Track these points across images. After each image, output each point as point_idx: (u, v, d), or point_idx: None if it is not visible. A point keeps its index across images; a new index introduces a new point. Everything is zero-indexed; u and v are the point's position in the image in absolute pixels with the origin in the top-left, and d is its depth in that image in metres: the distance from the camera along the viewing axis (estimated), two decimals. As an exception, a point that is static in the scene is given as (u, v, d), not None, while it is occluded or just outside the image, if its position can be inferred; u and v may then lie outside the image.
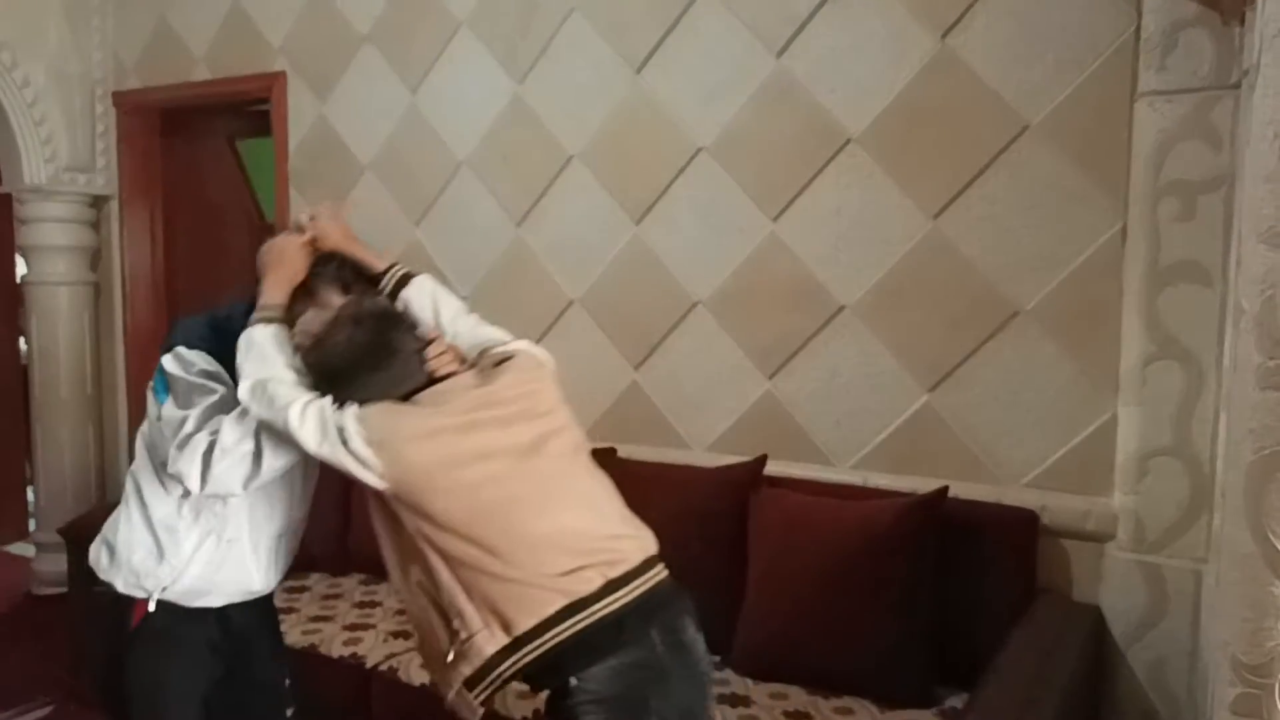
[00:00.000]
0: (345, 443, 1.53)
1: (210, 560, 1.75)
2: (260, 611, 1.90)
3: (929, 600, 2.25)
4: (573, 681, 1.52)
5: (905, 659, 2.24)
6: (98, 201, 4.18)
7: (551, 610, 1.52)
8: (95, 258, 4.22)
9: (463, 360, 1.69)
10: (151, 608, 1.74)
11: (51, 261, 4.06)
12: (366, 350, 1.60)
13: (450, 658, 1.56)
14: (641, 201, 2.98)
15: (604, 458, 2.75)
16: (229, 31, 3.79)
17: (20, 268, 4.51)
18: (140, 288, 4.23)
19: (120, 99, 4.14)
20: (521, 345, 1.73)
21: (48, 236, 4.04)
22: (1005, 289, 2.43)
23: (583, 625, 1.52)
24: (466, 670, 1.55)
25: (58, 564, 3.65)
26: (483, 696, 1.57)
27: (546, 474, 1.61)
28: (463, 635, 1.54)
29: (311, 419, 1.56)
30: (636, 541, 1.63)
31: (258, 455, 1.62)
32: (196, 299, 4.31)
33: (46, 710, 3.11)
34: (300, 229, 1.81)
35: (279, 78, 3.66)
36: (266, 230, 4.10)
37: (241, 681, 1.86)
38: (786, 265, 2.74)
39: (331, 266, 1.76)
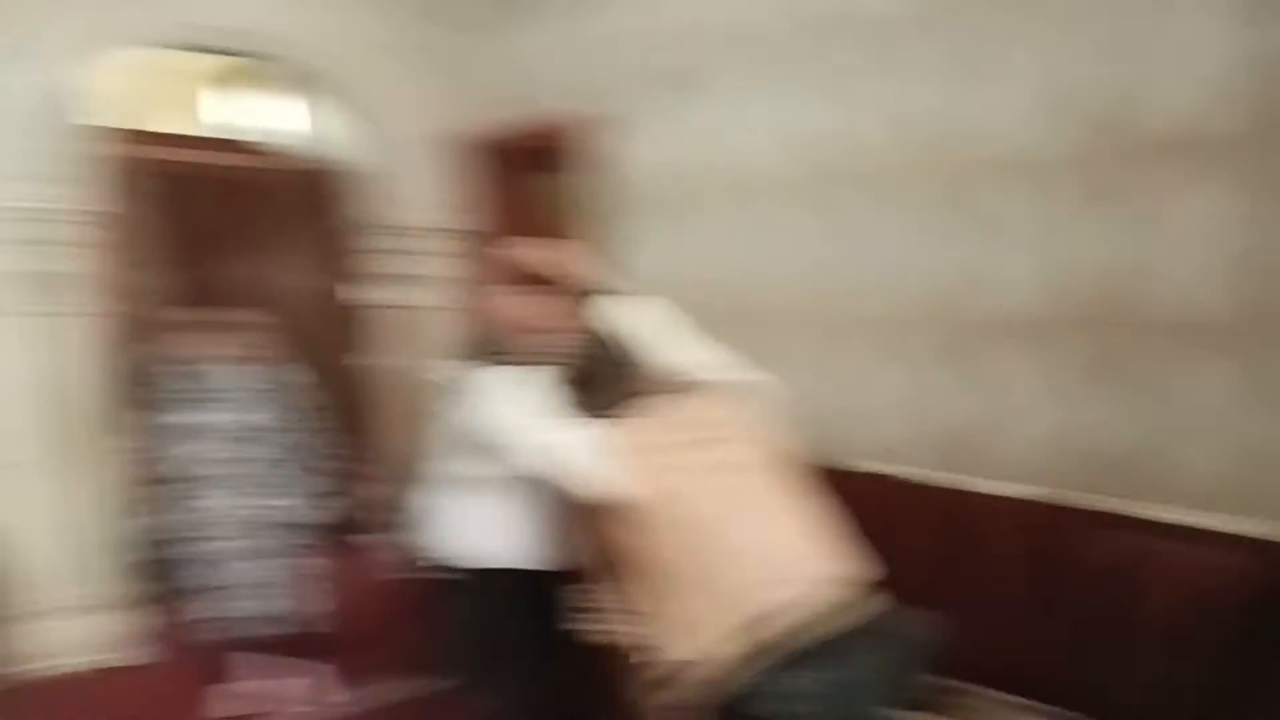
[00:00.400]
0: (591, 457, 1.73)
1: None
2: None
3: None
4: (760, 687, 1.59)
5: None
6: (442, 234, 4.65)
7: (739, 622, 1.61)
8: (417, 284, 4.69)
9: (667, 383, 1.85)
10: None
11: (399, 289, 4.55)
12: (601, 365, 1.84)
13: (645, 657, 1.72)
14: (949, 220, 2.74)
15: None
16: (565, 76, 4.02)
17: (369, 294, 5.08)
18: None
19: (467, 143, 4.58)
20: (741, 371, 1.87)
21: (408, 266, 4.55)
22: None
23: (778, 636, 1.61)
24: (659, 672, 1.69)
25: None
26: (666, 697, 1.70)
27: (747, 496, 1.72)
28: (658, 638, 1.68)
29: (579, 448, 1.75)
30: (831, 563, 1.71)
31: None
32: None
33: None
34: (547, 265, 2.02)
35: (604, 117, 3.83)
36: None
37: None
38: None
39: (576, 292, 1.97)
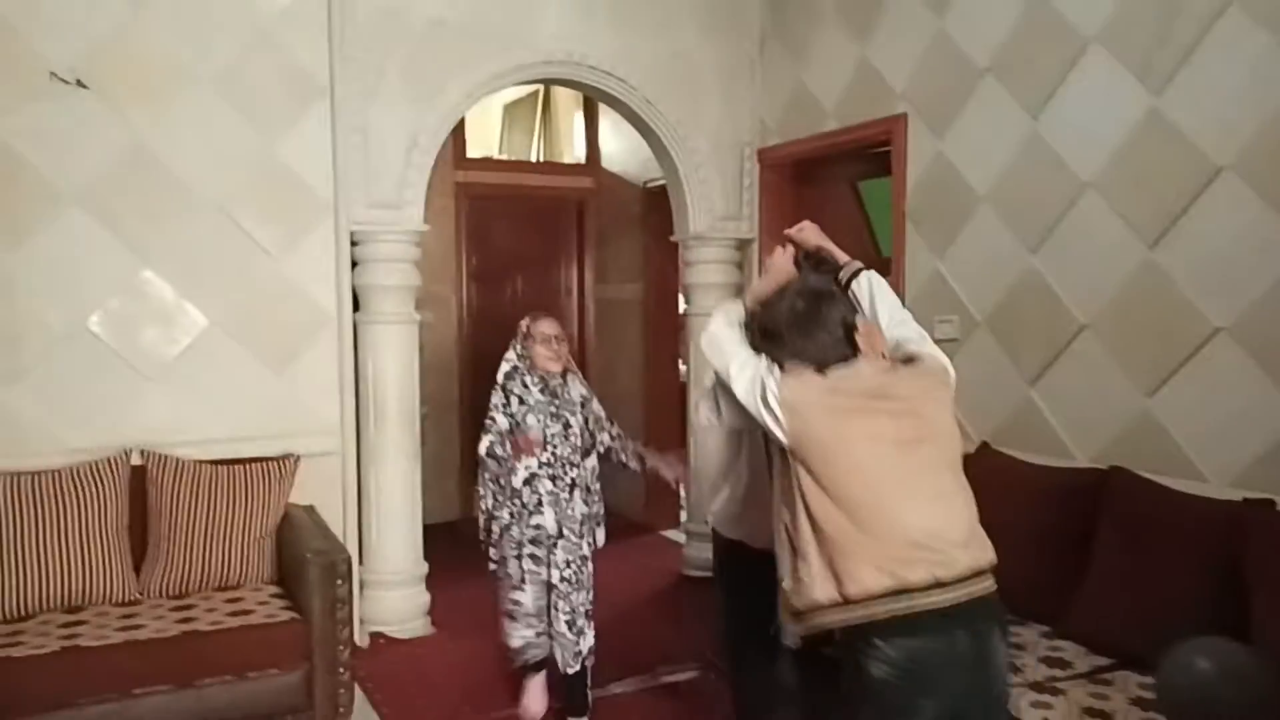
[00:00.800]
0: (764, 397, 1.83)
1: None
2: None
3: None
4: (876, 640, 1.74)
5: None
6: (742, 245, 4.86)
7: (879, 589, 1.73)
8: (738, 293, 4.89)
9: (882, 351, 1.90)
10: None
11: (706, 296, 4.79)
12: (801, 318, 1.90)
13: (788, 586, 1.88)
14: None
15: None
16: (856, 83, 4.14)
17: (681, 303, 5.43)
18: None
19: (763, 155, 4.78)
20: (932, 351, 1.95)
21: (704, 276, 4.82)
22: None
23: (901, 610, 1.72)
24: (797, 604, 1.85)
25: (703, 551, 4.29)
26: (803, 631, 1.95)
27: (915, 470, 1.79)
28: (804, 578, 1.82)
29: (748, 370, 1.91)
30: (972, 552, 1.78)
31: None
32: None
33: (692, 674, 3.67)
34: (786, 242, 2.26)
35: (900, 120, 3.90)
36: (882, 265, 4.35)
37: None
38: None
39: (804, 258, 2.18)
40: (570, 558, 3.06)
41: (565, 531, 3.05)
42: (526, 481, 3.02)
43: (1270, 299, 2.62)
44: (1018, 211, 3.40)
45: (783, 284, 2.01)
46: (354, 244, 3.97)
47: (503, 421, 3.03)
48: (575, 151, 6.87)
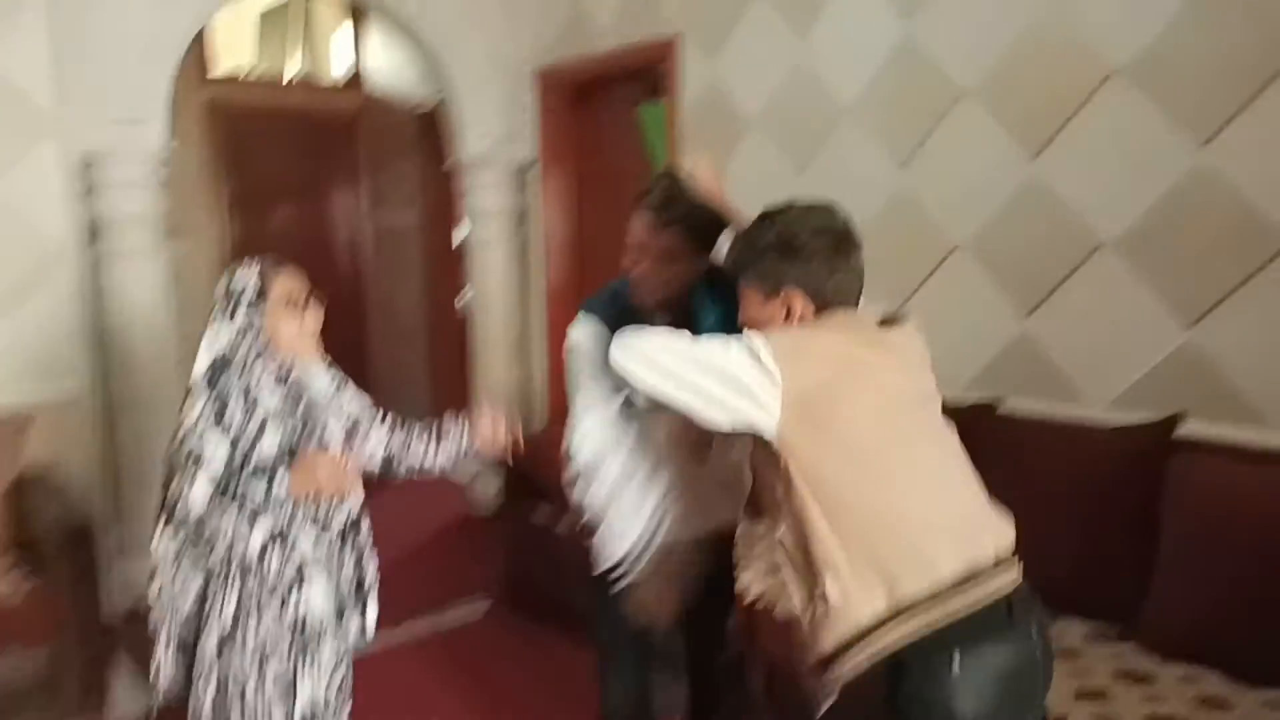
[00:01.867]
0: (756, 354, 1.37)
1: None
2: None
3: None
4: (956, 655, 1.31)
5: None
6: (522, 169, 4.76)
7: (947, 571, 1.33)
8: (521, 219, 4.81)
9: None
10: None
11: (487, 224, 4.70)
12: (839, 241, 1.51)
13: (809, 623, 1.39)
14: (1039, 136, 2.75)
15: (982, 414, 2.65)
16: (631, 2, 4.10)
17: (462, 230, 5.27)
18: (557, 244, 4.74)
19: (541, 76, 4.66)
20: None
21: (484, 201, 4.69)
22: None
23: (978, 597, 1.33)
24: (829, 641, 1.37)
25: (490, 487, 4.28)
26: (845, 675, 1.37)
27: (938, 429, 1.48)
28: (833, 596, 1.34)
29: (730, 346, 1.40)
30: (998, 526, 1.47)
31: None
32: (605, 253, 4.76)
33: (486, 604, 3.68)
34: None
35: (674, 41, 3.89)
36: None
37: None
38: (1221, 200, 2.40)
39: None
40: (340, 659, 1.92)
41: (341, 613, 1.91)
42: (272, 540, 1.80)
43: (999, 221, 2.86)
44: (785, 134, 3.52)
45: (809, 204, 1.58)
46: (88, 166, 3.53)
47: (221, 451, 1.74)
48: (342, 68, 6.43)
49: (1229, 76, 2.37)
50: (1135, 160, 2.56)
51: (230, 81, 5.87)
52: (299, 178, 6.21)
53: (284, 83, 6.30)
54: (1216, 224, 2.42)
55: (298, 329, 1.87)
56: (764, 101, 3.59)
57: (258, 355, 1.83)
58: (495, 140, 4.61)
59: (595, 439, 1.89)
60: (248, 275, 1.85)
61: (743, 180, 3.72)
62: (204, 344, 1.82)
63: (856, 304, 1.54)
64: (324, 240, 6.36)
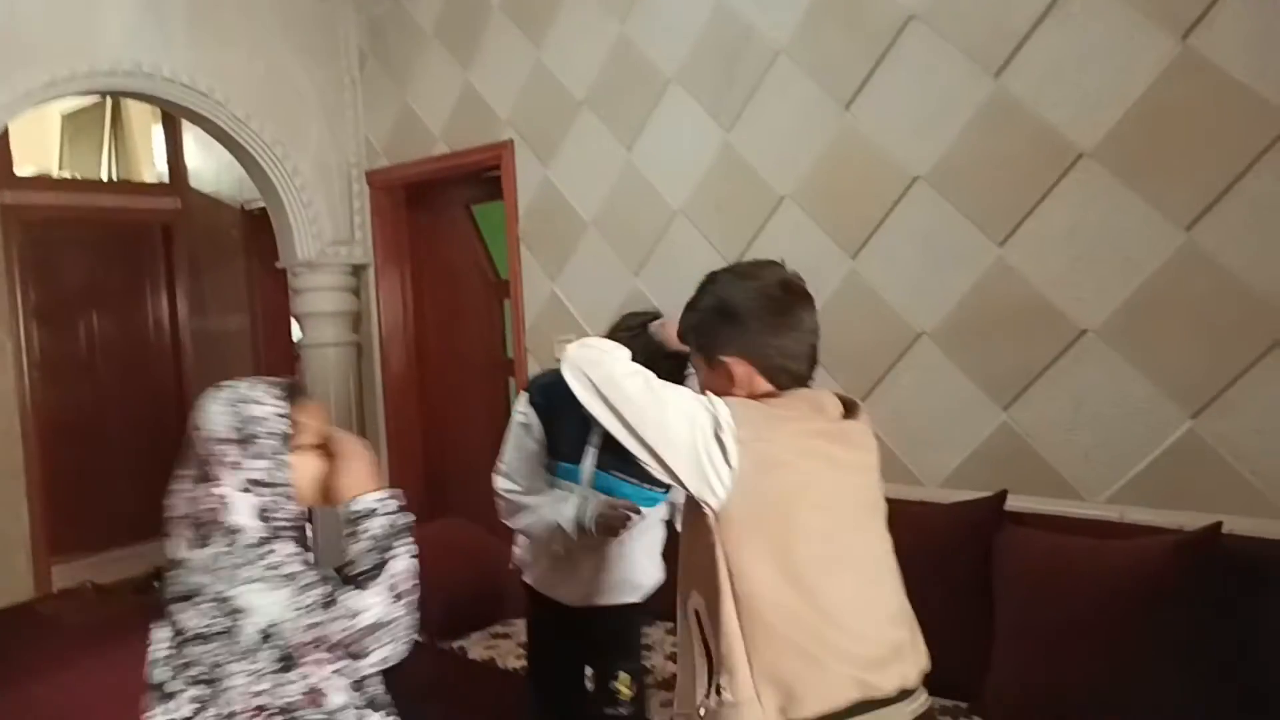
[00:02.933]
0: (716, 431, 1.29)
1: None
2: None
3: (1207, 650, 2.04)
4: None
5: (1178, 715, 2.03)
6: (357, 270, 4.64)
7: (844, 702, 1.29)
8: (356, 320, 4.68)
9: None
10: None
11: (321, 326, 4.54)
12: (775, 305, 1.44)
13: (703, 713, 1.33)
14: (857, 236, 2.95)
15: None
16: (462, 109, 4.13)
17: (296, 332, 5.07)
18: (394, 344, 4.65)
19: (372, 178, 4.61)
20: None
21: (317, 304, 4.54)
22: (1279, 301, 2.20)
23: None
24: None
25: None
26: None
27: (879, 544, 1.42)
28: (726, 696, 1.30)
29: (684, 399, 1.33)
30: (919, 649, 1.42)
31: None
32: (442, 351, 4.69)
33: None
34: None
35: (507, 146, 3.95)
36: (500, 287, 4.40)
37: None
38: (1018, 291, 2.63)
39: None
40: None
41: None
42: None
43: (825, 313, 3.02)
44: (620, 236, 3.61)
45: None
46: None
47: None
48: (156, 169, 6.14)
49: (1016, 184, 2.62)
50: (944, 257, 2.77)
51: (30, 181, 5.49)
52: (110, 284, 5.84)
53: (92, 182, 5.95)
54: (1016, 314, 2.64)
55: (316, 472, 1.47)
56: (598, 204, 3.67)
57: (284, 501, 1.41)
58: (326, 242, 4.49)
59: (510, 485, 2.25)
60: (273, 395, 1.45)
61: (581, 280, 3.78)
62: (219, 494, 1.38)
63: (811, 368, 1.46)
64: (137, 349, 5.97)
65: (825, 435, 1.39)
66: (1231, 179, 2.27)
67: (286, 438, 1.41)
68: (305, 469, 1.43)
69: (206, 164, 5.69)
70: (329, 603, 1.32)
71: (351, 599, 1.32)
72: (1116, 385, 2.47)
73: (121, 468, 5.72)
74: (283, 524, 1.38)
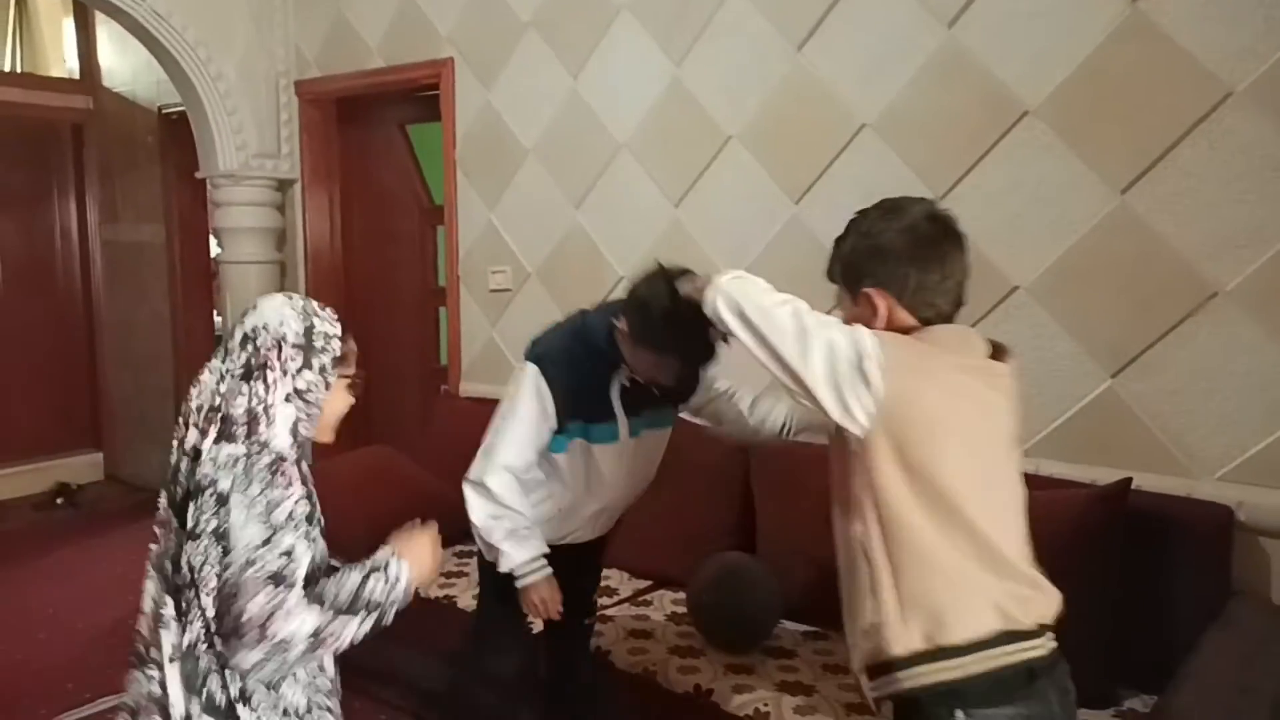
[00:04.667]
0: (861, 364, 1.31)
1: None
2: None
3: (1111, 598, 2.14)
4: (959, 715, 1.31)
5: (1082, 657, 2.12)
6: (282, 185, 4.46)
7: (987, 631, 1.31)
8: (280, 238, 4.51)
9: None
10: None
11: (242, 242, 4.36)
12: (924, 242, 1.42)
13: (867, 628, 1.37)
14: (801, 181, 2.93)
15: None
16: (401, 22, 3.96)
17: (214, 248, 4.88)
18: (321, 266, 4.51)
19: (302, 89, 4.40)
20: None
21: (239, 219, 4.34)
22: (1203, 268, 2.28)
23: (1008, 661, 1.31)
24: (868, 654, 1.38)
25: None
26: (873, 695, 1.40)
27: (1018, 483, 1.44)
28: (874, 619, 1.35)
29: (838, 331, 1.35)
30: (1051, 589, 1.44)
31: None
32: (371, 276, 4.57)
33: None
34: None
35: (447, 65, 3.80)
36: (434, 213, 4.28)
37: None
38: (957, 246, 2.64)
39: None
40: None
41: None
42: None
43: (765, 257, 3.02)
44: (563, 166, 3.53)
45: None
46: None
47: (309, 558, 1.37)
48: (66, 64, 5.76)
49: (961, 138, 2.63)
50: (884, 207, 2.77)
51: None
52: (11, 185, 5.50)
53: (-9, 76, 5.56)
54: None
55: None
56: (541, 133, 3.58)
57: (305, 440, 1.44)
58: (250, 154, 4.29)
59: (510, 488, 1.99)
60: (322, 321, 1.44)
61: (520, 210, 3.70)
62: (264, 396, 1.36)
63: (956, 307, 1.46)
64: (40, 257, 5.68)
65: (970, 370, 1.40)
66: (1167, 146, 2.31)
67: (336, 362, 1.42)
68: (336, 401, 1.45)
69: (122, 62, 5.35)
70: (278, 579, 1.28)
71: (295, 601, 1.28)
72: (1043, 342, 2.53)
73: (22, 381, 5.47)
74: (303, 442, 1.41)
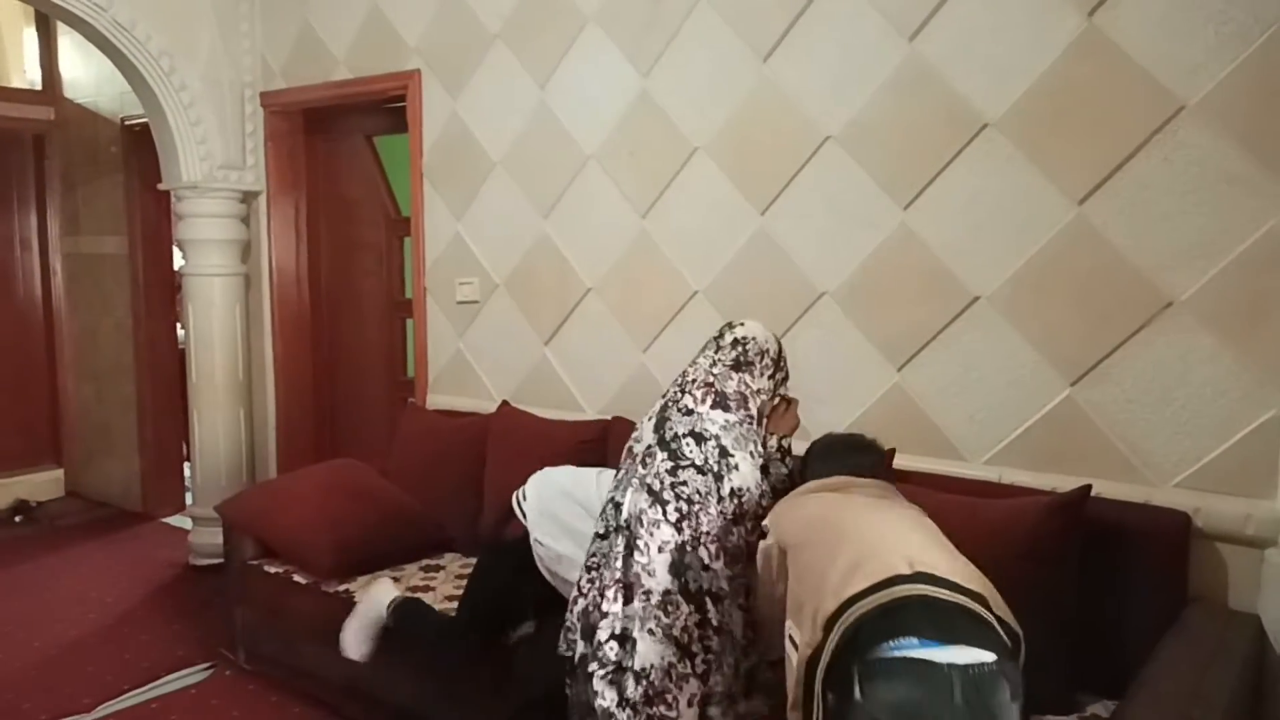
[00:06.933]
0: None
1: None
2: None
3: (1070, 604, 2.17)
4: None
5: (1043, 664, 2.15)
6: (247, 197, 4.42)
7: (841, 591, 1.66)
8: (245, 250, 4.47)
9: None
10: None
11: (206, 254, 4.32)
12: (844, 446, 2.15)
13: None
14: (767, 192, 2.95)
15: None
16: (368, 33, 3.96)
17: (178, 259, 4.82)
18: (286, 278, 4.47)
19: (267, 99, 4.37)
20: None
21: (203, 230, 4.30)
22: (1157, 279, 2.32)
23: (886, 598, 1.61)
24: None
25: (213, 537, 3.90)
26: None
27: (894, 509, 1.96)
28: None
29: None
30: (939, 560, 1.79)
31: None
32: (337, 288, 4.54)
33: (206, 673, 3.33)
34: None
35: (414, 76, 3.79)
36: (401, 224, 4.26)
37: None
38: (917, 255, 2.69)
39: None
40: None
41: None
42: None
43: (732, 267, 3.04)
44: (530, 177, 3.53)
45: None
46: None
47: None
48: (27, 75, 5.68)
49: (923, 150, 2.66)
50: (849, 219, 2.80)
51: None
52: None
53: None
54: (915, 278, 2.70)
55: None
56: (508, 144, 3.58)
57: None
58: (215, 165, 4.25)
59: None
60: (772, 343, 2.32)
61: (487, 221, 3.70)
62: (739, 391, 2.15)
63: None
64: (2, 269, 5.59)
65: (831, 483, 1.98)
66: (1122, 158, 2.36)
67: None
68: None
69: (85, 73, 5.29)
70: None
71: None
72: (1003, 352, 2.56)
73: (-18, 395, 5.37)
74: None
